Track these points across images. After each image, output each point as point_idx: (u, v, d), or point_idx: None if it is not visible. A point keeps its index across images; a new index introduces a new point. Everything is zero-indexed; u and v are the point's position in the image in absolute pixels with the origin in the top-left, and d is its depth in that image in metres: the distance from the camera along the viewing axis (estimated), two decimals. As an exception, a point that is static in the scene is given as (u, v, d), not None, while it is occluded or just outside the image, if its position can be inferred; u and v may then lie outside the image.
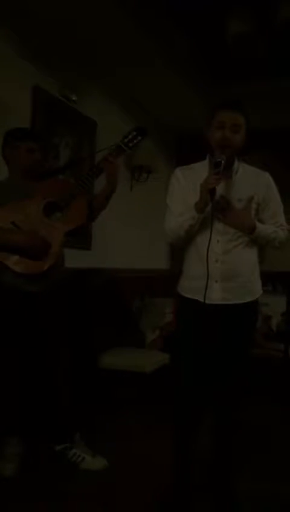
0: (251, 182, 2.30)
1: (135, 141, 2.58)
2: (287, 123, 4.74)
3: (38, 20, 3.16)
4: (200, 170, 2.28)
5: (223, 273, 2.24)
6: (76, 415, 2.74)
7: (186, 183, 2.32)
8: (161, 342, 4.11)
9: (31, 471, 2.59)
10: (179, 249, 2.47)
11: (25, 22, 3.16)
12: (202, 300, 2.18)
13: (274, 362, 4.14)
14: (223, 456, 2.43)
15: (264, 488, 2.49)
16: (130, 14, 3.19)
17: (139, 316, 4.29)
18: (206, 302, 2.19)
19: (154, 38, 3.50)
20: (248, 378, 2.40)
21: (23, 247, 2.48)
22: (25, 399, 2.70)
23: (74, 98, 3.68)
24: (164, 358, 3.67)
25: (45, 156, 2.78)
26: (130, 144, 2.58)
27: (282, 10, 3.33)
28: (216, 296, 2.23)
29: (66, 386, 2.70)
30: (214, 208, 2.18)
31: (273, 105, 4.54)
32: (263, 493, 2.44)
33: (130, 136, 2.57)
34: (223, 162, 2.14)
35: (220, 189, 2.21)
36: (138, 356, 3.68)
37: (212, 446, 2.43)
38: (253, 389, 3.20)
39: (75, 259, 3.14)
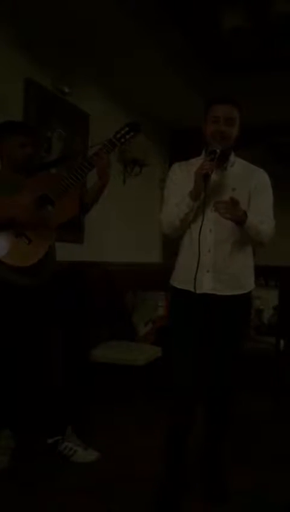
0: (246, 174, 2.34)
1: (127, 136, 2.57)
2: (283, 117, 4.74)
3: (31, 12, 3.13)
4: (197, 165, 2.29)
5: (215, 263, 2.26)
6: (68, 408, 2.75)
7: (183, 177, 2.35)
8: (153, 336, 4.12)
9: (23, 464, 2.60)
10: (172, 243, 2.49)
11: (17, 14, 3.13)
12: (193, 290, 2.20)
13: (265, 355, 4.16)
14: (214, 448, 2.45)
15: (254, 480, 2.51)
16: (125, 7, 3.17)
17: (132, 309, 4.30)
18: (197, 291, 2.22)
19: (149, 31, 3.48)
20: (238, 371, 2.42)
21: (18, 221, 2.47)
22: (18, 392, 2.70)
23: (66, 91, 3.66)
24: (156, 352, 3.68)
25: (37, 150, 2.77)
26: (123, 140, 2.57)
27: (277, 4, 3.32)
28: (207, 285, 2.26)
29: (58, 380, 2.70)
30: (207, 195, 2.20)
31: (269, 100, 4.54)
32: (252, 484, 2.46)
33: (122, 132, 2.56)
34: (218, 151, 2.18)
35: (215, 178, 2.25)
36: (131, 349, 3.69)
37: (204, 438, 2.45)
38: (244, 382, 3.24)
39: (67, 253, 3.14)
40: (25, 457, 2.66)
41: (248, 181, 2.31)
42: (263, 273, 5.00)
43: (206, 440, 2.46)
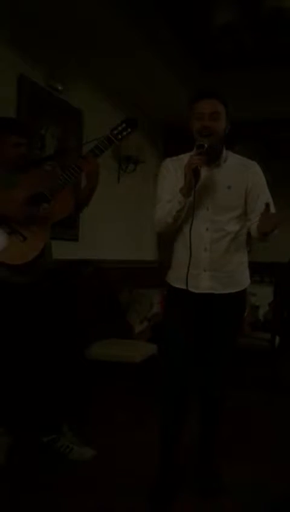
0: (240, 170, 2.32)
1: (124, 133, 2.53)
2: (277, 112, 4.75)
3: (23, 9, 3.12)
4: None
5: (211, 262, 2.25)
6: (64, 406, 2.74)
7: (175, 173, 2.33)
8: (148, 333, 4.12)
9: (18, 462, 2.59)
10: (167, 240, 2.48)
11: (9, 11, 3.11)
12: (191, 290, 2.20)
13: (261, 351, 4.17)
14: (208, 443, 2.46)
15: (253, 473, 2.53)
16: (116, 5, 3.16)
17: (127, 307, 4.29)
18: (195, 291, 2.22)
19: (140, 28, 3.48)
20: (232, 367, 2.43)
21: (10, 217, 2.46)
22: (14, 390, 2.70)
23: (60, 88, 3.64)
24: (152, 349, 3.68)
25: (31, 149, 2.75)
26: (119, 136, 2.53)
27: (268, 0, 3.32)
28: (204, 285, 2.25)
29: (54, 377, 2.70)
30: (202, 193, 2.19)
31: (264, 95, 4.54)
32: (252, 478, 2.48)
33: (119, 128, 2.53)
34: (205, 145, 2.17)
35: (209, 176, 2.24)
36: (127, 347, 3.69)
37: (199, 435, 2.46)
38: (241, 378, 3.24)
39: (62, 251, 3.13)
40: (21, 455, 2.65)
41: (243, 178, 2.29)
42: (259, 270, 5.03)
43: (201, 436, 2.46)
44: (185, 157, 2.36)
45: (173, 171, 2.36)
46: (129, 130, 2.53)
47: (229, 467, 2.49)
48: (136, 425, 3.12)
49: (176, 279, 2.34)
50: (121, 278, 4.31)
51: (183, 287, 2.23)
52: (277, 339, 4.24)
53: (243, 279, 2.36)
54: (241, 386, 3.43)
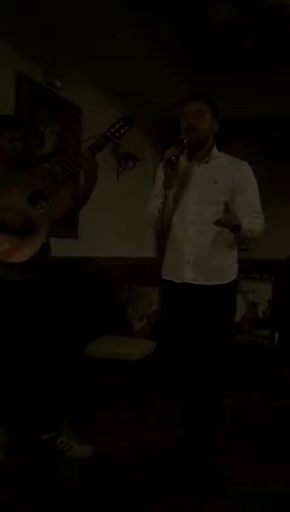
0: (229, 167, 2.41)
1: (121, 131, 2.55)
2: (275, 110, 4.73)
3: (21, 6, 3.10)
4: (182, 160, 2.39)
5: (195, 254, 2.35)
6: (63, 403, 2.74)
7: None
8: (148, 330, 4.12)
9: (18, 460, 2.59)
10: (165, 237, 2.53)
11: (7, 8, 3.09)
12: (176, 281, 2.36)
13: (260, 348, 4.18)
14: (208, 442, 2.47)
15: (253, 472, 2.53)
16: (116, 2, 3.14)
17: (126, 304, 4.29)
18: (177, 281, 2.37)
19: (139, 26, 3.46)
20: (228, 363, 2.48)
21: (7, 224, 2.45)
22: (13, 388, 2.70)
23: (58, 85, 3.62)
24: (151, 346, 3.68)
25: (27, 144, 2.74)
26: (117, 134, 2.55)
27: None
28: (188, 276, 2.36)
29: (53, 375, 2.70)
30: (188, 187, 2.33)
31: (261, 93, 4.52)
32: (252, 476, 2.48)
33: (117, 126, 2.54)
34: (185, 141, 2.28)
35: (197, 171, 2.38)
36: (126, 344, 3.69)
37: (198, 432, 2.47)
38: (240, 377, 3.24)
39: (61, 248, 3.12)
40: (20, 453, 2.65)
41: (230, 174, 2.38)
42: (257, 267, 5.03)
43: (200, 436, 2.47)
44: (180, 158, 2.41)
45: None
46: (126, 128, 2.56)
47: (229, 467, 2.49)
48: (135, 422, 3.12)
49: (165, 271, 2.48)
50: (120, 276, 4.31)
51: (171, 278, 2.41)
52: (276, 336, 4.24)
53: (229, 273, 2.42)
54: (241, 385, 3.43)
